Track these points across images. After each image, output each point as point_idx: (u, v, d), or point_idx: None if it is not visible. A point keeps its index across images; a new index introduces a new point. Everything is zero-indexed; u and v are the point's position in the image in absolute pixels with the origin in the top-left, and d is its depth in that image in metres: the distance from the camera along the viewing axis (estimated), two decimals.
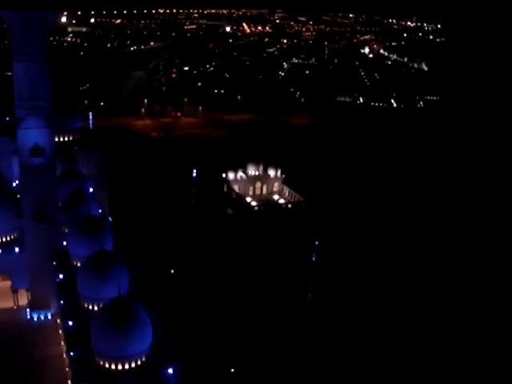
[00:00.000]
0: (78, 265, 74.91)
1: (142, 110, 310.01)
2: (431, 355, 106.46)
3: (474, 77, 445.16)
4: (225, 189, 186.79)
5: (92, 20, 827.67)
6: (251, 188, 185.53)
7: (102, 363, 59.18)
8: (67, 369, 65.65)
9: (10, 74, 76.82)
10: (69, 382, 63.80)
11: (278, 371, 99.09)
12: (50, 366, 70.00)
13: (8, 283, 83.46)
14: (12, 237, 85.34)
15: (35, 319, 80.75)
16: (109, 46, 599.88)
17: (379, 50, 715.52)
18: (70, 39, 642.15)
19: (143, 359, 59.91)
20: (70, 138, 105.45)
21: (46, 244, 79.38)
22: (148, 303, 69.92)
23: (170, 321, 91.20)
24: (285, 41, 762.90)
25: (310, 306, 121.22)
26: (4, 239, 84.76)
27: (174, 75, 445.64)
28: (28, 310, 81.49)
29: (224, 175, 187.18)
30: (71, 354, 63.15)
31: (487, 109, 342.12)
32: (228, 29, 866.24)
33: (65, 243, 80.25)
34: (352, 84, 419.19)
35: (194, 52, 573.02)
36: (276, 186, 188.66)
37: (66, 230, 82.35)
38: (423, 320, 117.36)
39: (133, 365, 59.18)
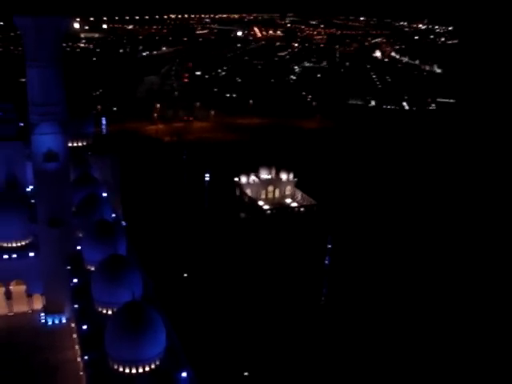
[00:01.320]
0: (92, 269, 75.23)
1: (155, 114, 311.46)
2: (444, 357, 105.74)
3: (486, 78, 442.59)
4: (237, 193, 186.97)
5: (104, 26, 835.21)
6: (264, 192, 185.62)
7: (116, 367, 59.30)
8: (81, 373, 65.91)
9: (23, 80, 77.56)
10: None
11: (292, 374, 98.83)
12: (65, 370, 70.44)
13: (23, 288, 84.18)
14: (27, 242, 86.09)
15: (50, 323, 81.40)
16: (121, 51, 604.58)
17: (391, 53, 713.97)
18: (82, 45, 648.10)
19: (157, 363, 60.00)
20: (84, 143, 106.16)
21: (60, 249, 79.98)
22: (161, 307, 70.04)
23: (184, 324, 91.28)
24: (296, 44, 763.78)
25: (324, 310, 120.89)
26: (19, 244, 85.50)
27: (186, 80, 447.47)
28: (43, 314, 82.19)
29: (236, 179, 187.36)
30: (85, 357, 63.44)
31: (499, 110, 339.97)
32: (239, 33, 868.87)
33: (79, 248, 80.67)
34: (363, 87, 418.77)
35: (206, 56, 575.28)
36: (288, 190, 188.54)
37: (80, 235, 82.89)
38: (436, 322, 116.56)
39: (147, 368, 59.27)
